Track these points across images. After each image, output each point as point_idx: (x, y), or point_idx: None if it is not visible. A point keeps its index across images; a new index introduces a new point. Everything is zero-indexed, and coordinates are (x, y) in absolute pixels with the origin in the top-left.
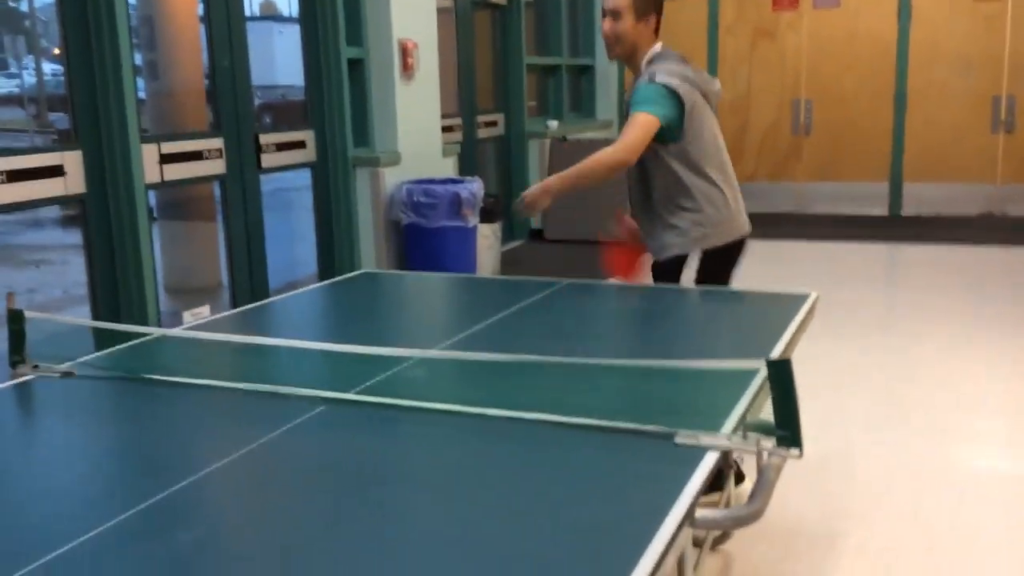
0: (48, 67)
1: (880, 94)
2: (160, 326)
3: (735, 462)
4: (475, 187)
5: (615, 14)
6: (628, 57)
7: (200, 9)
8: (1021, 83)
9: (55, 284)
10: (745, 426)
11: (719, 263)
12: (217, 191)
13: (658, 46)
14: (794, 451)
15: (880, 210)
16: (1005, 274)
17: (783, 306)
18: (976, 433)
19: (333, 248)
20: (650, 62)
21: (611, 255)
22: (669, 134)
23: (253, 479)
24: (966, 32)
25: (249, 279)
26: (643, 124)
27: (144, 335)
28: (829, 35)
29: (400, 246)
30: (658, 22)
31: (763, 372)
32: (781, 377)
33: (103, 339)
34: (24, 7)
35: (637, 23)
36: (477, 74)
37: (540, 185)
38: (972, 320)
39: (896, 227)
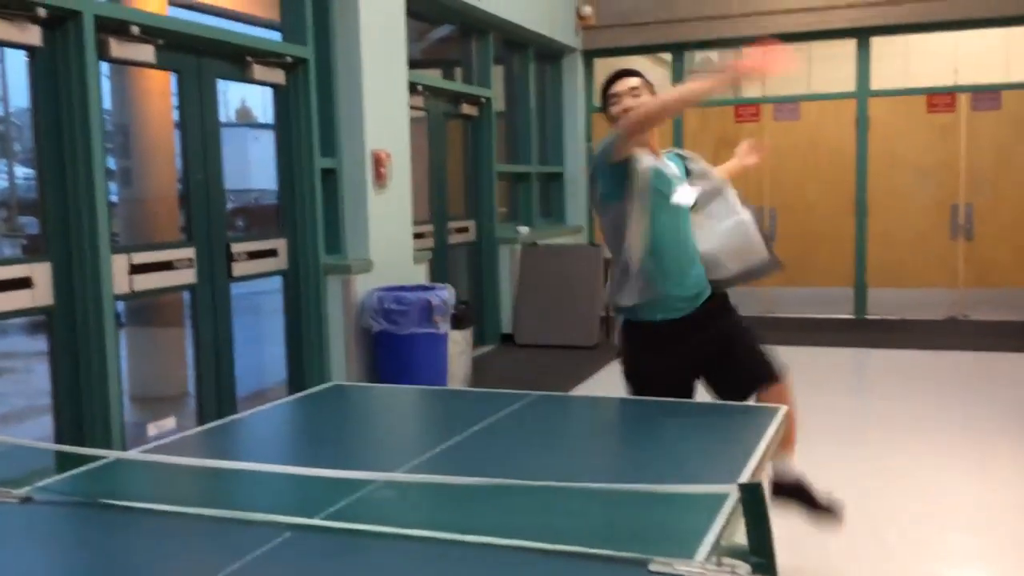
0: (20, 171)
1: (841, 202)
2: (124, 438)
3: None
4: (446, 294)
5: (634, 90)
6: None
7: (175, 116)
8: (977, 191)
9: (18, 394)
10: (719, 551)
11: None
12: (187, 298)
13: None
14: None
15: (846, 315)
16: (971, 379)
17: (754, 420)
18: (949, 547)
19: (303, 356)
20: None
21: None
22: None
23: None
24: (922, 142)
25: (216, 389)
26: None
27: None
28: (790, 145)
29: (371, 353)
30: None
31: (735, 495)
32: (753, 502)
33: (64, 456)
34: None
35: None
36: (449, 181)
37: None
38: (941, 427)
39: (862, 331)
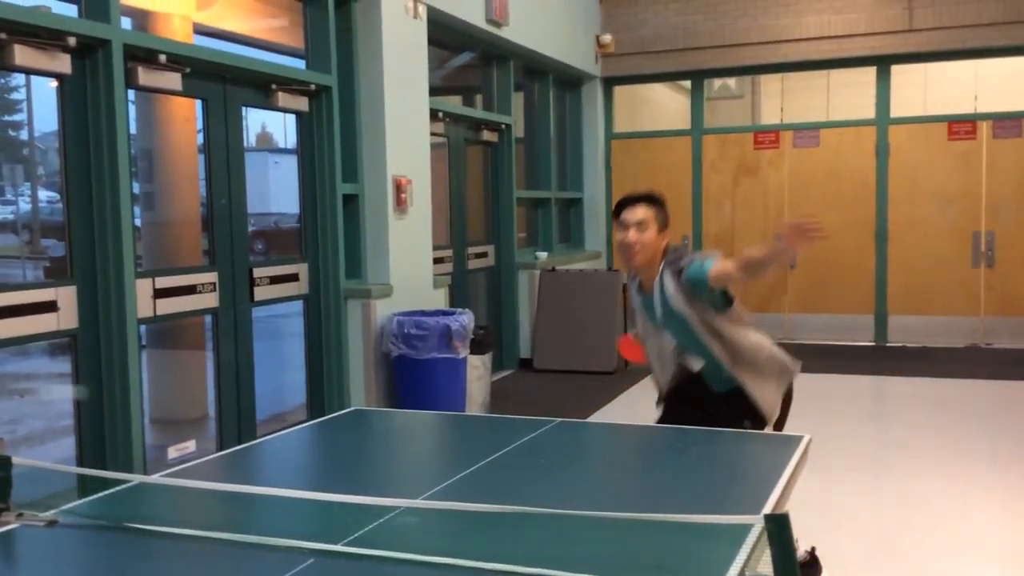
0: (43, 194)
1: (862, 229)
2: (145, 461)
3: None
4: (465, 319)
5: (641, 224)
6: (647, 265)
7: (199, 141)
8: (999, 219)
9: (39, 415)
10: None
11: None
12: (208, 321)
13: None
14: None
15: (867, 342)
16: (994, 408)
17: (776, 449)
18: None
19: (323, 379)
20: (668, 258)
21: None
22: (724, 299)
23: None
24: (943, 170)
25: (236, 412)
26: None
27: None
28: (809, 172)
29: (390, 377)
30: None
31: (760, 524)
32: (779, 533)
33: (86, 478)
34: (24, 136)
35: (659, 234)
36: (468, 207)
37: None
38: (963, 456)
39: (883, 359)
